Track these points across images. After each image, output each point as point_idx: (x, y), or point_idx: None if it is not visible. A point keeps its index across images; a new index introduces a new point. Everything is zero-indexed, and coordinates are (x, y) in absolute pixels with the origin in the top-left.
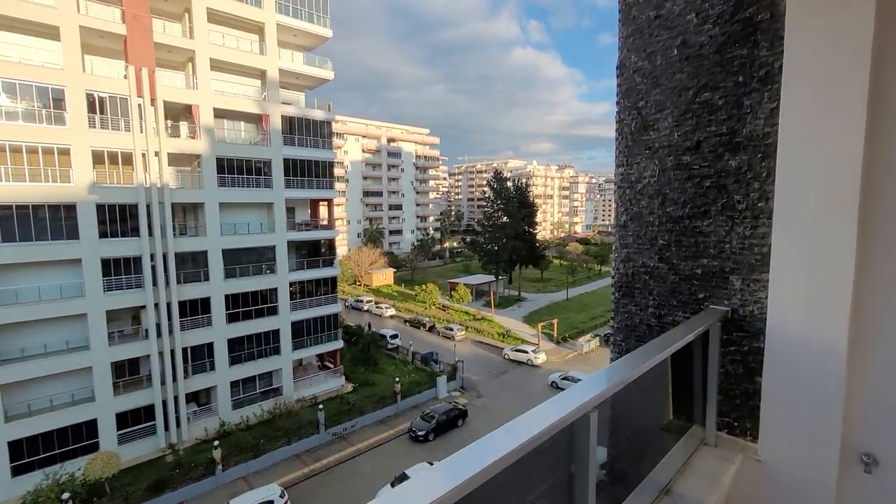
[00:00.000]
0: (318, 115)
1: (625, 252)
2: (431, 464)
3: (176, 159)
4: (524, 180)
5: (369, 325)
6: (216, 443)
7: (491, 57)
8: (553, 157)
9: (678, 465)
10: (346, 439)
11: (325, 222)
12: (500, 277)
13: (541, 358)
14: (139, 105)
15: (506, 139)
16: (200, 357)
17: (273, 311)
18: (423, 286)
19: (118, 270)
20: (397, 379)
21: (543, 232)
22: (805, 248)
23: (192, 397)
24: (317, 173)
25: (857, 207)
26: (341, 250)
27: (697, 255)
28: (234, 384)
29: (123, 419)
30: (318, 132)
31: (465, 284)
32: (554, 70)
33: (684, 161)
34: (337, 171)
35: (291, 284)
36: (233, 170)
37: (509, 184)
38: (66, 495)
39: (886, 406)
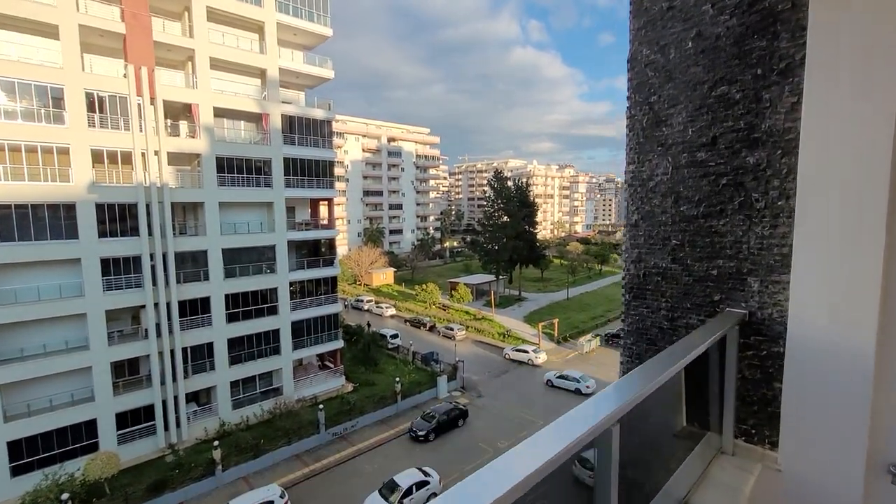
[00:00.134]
0: (318, 114)
1: (636, 252)
2: (422, 469)
3: (176, 158)
4: (524, 180)
5: (369, 325)
6: (216, 443)
7: (491, 56)
8: (553, 157)
9: (696, 476)
10: (346, 439)
11: (325, 222)
12: (501, 277)
13: (541, 358)
14: (139, 104)
15: (506, 139)
16: (200, 357)
17: (273, 311)
18: (424, 286)
19: (118, 270)
20: (398, 379)
21: (544, 231)
22: (829, 249)
23: (192, 397)
24: (317, 172)
25: (885, 205)
26: (341, 250)
27: (713, 256)
28: (234, 384)
29: (123, 419)
30: (318, 131)
31: (465, 284)
32: (554, 70)
33: (699, 158)
34: (337, 171)
35: (291, 284)
36: (233, 169)
37: (510, 183)
38: (65, 495)
39: None
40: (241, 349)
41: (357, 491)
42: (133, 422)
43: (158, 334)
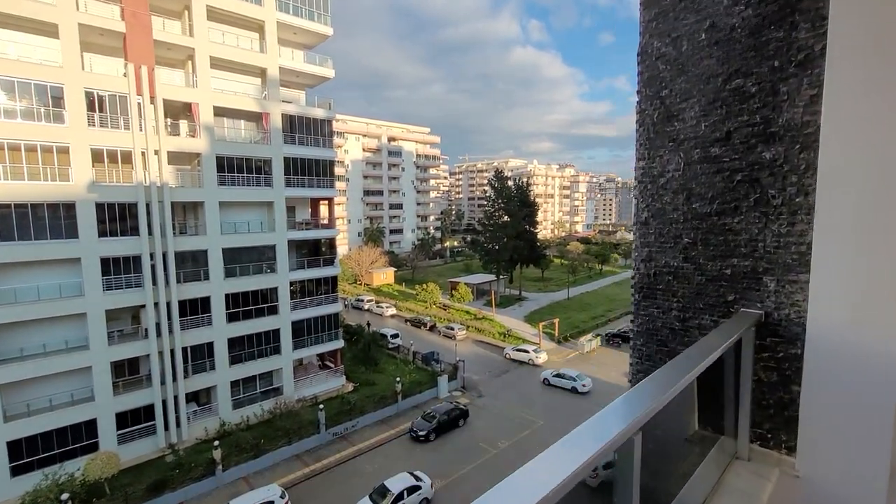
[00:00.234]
0: (318, 113)
1: (646, 251)
2: (413, 473)
3: (176, 158)
4: (525, 179)
5: (369, 325)
6: (216, 443)
7: (491, 56)
8: (554, 157)
9: (712, 482)
10: (346, 439)
11: (325, 221)
12: (501, 277)
13: (542, 357)
14: (139, 103)
15: (506, 138)
16: (200, 356)
17: (273, 311)
18: (424, 285)
19: (118, 269)
20: (398, 378)
21: (544, 231)
22: (851, 246)
23: (192, 397)
24: (317, 172)
25: None
26: (342, 249)
27: (726, 255)
28: (234, 384)
29: (123, 419)
30: (318, 131)
31: (465, 284)
32: (554, 69)
33: (712, 153)
34: (337, 170)
35: (292, 284)
36: (233, 168)
37: (510, 183)
38: (65, 495)
39: None
40: (241, 349)
41: (357, 491)
42: (133, 422)
43: (158, 334)
